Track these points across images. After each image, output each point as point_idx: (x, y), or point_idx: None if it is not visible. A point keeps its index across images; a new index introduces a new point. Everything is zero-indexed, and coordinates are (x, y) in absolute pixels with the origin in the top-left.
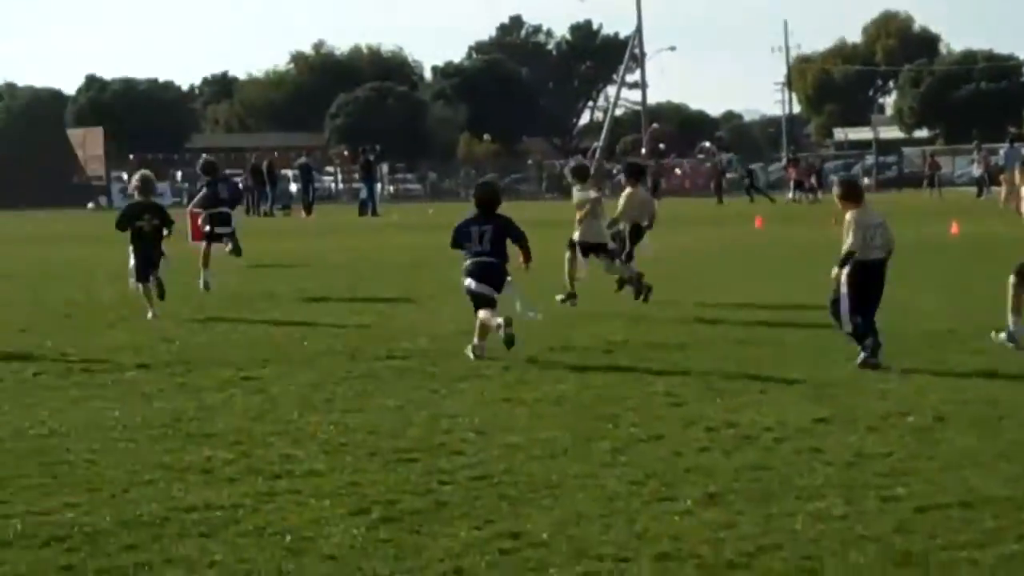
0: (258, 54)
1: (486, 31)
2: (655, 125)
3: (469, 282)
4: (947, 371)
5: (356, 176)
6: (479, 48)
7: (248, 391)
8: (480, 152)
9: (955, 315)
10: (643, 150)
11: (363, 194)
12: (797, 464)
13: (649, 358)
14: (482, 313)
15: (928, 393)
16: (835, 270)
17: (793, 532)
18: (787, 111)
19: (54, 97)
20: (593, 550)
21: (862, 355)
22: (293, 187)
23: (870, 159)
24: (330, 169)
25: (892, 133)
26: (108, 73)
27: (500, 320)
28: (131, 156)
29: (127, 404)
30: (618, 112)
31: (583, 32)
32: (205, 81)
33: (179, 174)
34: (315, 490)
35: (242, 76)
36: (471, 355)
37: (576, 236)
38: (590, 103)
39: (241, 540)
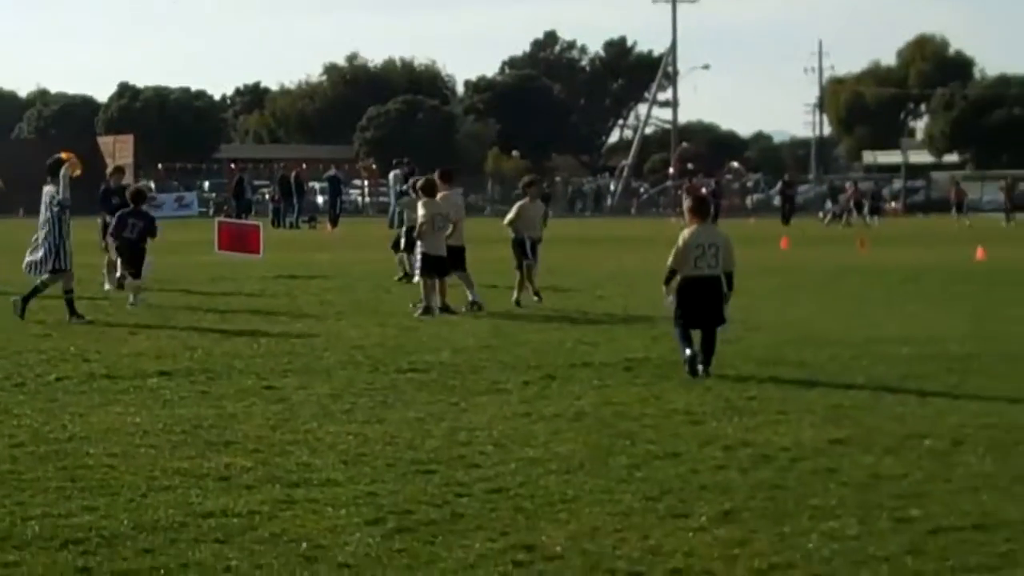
0: (291, 65)
1: (520, 46)
2: (684, 144)
3: None
4: (968, 395)
5: (384, 189)
6: (512, 63)
7: (268, 400)
8: (508, 168)
9: (979, 340)
10: (671, 169)
11: (392, 206)
12: (812, 484)
13: (669, 376)
14: None
15: (947, 416)
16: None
17: (806, 551)
18: (818, 132)
19: (86, 104)
20: (607, 565)
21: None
22: (320, 199)
23: (898, 183)
24: (357, 182)
25: (922, 157)
26: (141, 81)
27: None
28: (159, 166)
29: (148, 410)
30: (648, 130)
31: (617, 49)
32: (237, 91)
33: (207, 184)
34: (332, 499)
35: (274, 87)
36: None
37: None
38: (620, 121)
39: (257, 547)
